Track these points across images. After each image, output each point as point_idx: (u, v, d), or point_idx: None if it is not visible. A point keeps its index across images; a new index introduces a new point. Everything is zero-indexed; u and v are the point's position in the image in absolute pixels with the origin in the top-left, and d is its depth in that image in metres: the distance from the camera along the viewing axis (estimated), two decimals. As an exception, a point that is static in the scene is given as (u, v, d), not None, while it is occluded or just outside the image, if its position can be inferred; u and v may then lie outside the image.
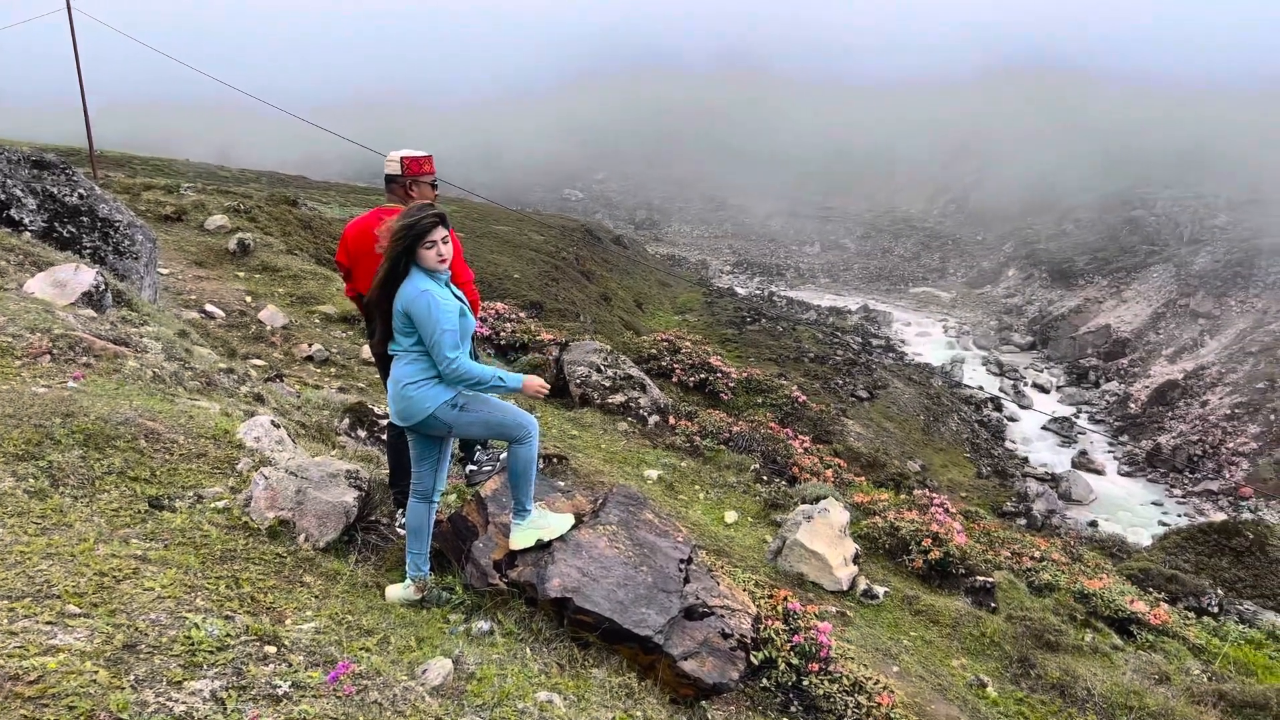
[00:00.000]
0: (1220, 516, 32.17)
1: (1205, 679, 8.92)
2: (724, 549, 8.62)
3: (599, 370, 13.42)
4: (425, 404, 4.68)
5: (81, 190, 11.37)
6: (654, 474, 10.51)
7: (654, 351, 19.22)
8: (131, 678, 3.13)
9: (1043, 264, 68.44)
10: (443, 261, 4.68)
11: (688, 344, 20.27)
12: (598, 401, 13.02)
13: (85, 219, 11.22)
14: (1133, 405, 47.84)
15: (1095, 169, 76.33)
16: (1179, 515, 35.59)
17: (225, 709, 3.08)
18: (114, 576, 3.84)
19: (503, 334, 16.31)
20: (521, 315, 19.91)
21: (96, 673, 3.09)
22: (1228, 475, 39.33)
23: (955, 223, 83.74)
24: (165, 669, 3.23)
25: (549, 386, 4.90)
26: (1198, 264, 57.35)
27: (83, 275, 8.74)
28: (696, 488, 10.74)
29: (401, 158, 5.87)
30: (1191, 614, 12.49)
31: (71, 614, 3.46)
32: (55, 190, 10.91)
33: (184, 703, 3.06)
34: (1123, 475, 40.79)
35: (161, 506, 4.87)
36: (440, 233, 4.67)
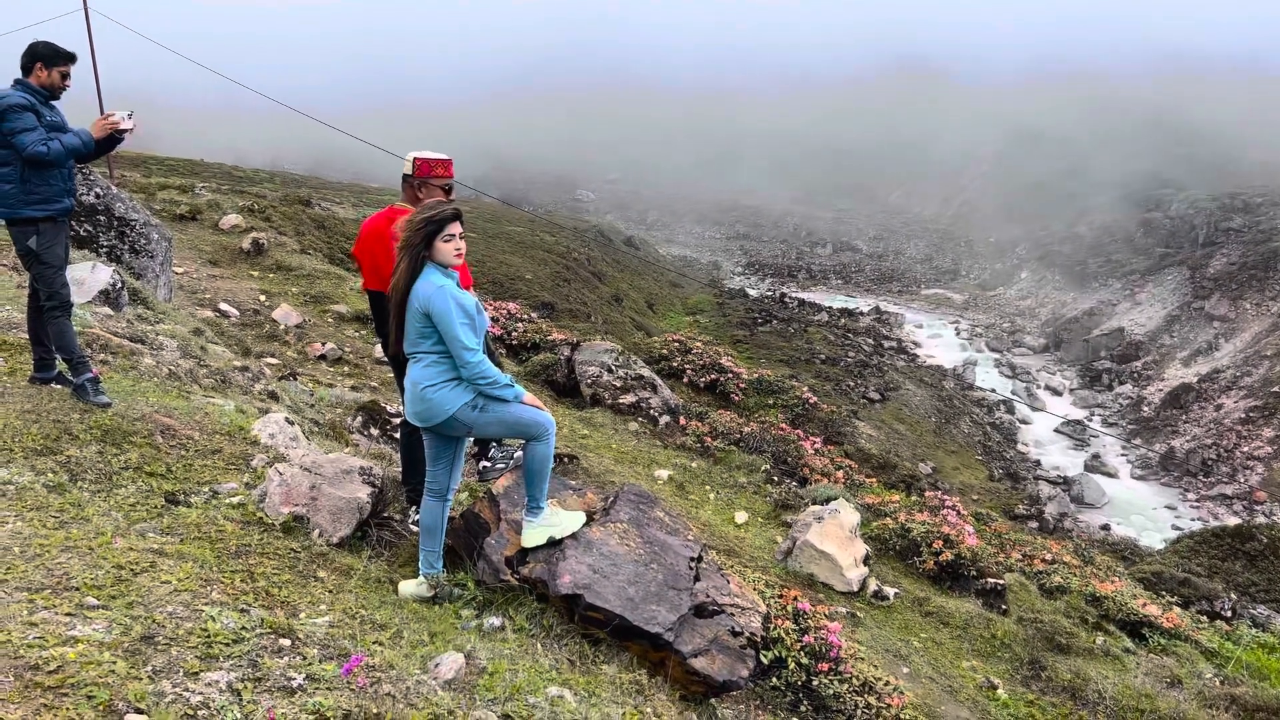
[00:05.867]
0: (1234, 521, 32.01)
1: (1218, 683, 8.88)
2: (734, 549, 8.63)
3: (610, 370, 13.45)
4: (446, 406, 4.68)
5: (98, 189, 11.47)
6: (665, 474, 10.53)
7: (665, 352, 19.22)
8: (149, 668, 3.18)
9: (1056, 266, 68.22)
10: (459, 255, 4.72)
11: (699, 345, 20.25)
12: (609, 401, 13.04)
13: (102, 217, 11.32)
14: (1146, 408, 47.62)
15: (1112, 170, 75.94)
16: (1192, 519, 35.42)
17: (241, 700, 3.12)
18: (131, 569, 3.88)
19: (515, 334, 16.35)
20: (533, 315, 19.96)
21: (115, 663, 3.14)
22: (1242, 479, 39.10)
23: (968, 224, 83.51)
24: (182, 660, 3.27)
25: (543, 406, 4.95)
26: (1213, 267, 57.03)
27: (99, 273, 8.83)
28: (707, 488, 10.75)
29: (414, 158, 5.85)
30: (1204, 618, 12.43)
31: (90, 605, 3.51)
32: (72, 189, 11.00)
33: (200, 693, 3.10)
34: (1136, 479, 40.62)
35: (177, 501, 4.92)
36: (458, 227, 4.71)
